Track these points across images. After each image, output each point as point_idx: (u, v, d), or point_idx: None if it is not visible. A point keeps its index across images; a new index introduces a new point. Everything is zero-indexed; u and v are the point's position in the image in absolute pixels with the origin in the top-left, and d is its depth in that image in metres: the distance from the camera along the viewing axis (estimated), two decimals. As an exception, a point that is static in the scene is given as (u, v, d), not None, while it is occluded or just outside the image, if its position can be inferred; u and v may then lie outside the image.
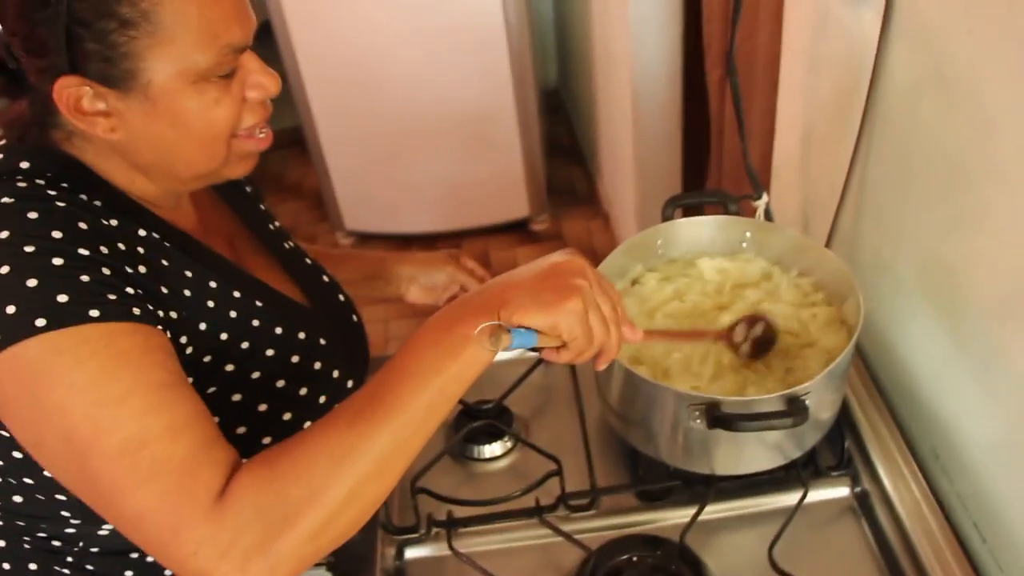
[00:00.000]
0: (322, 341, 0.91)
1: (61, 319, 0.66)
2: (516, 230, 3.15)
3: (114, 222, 0.75)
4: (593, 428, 1.13)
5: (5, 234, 0.68)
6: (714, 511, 1.01)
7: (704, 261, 1.13)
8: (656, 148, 2.48)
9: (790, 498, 1.01)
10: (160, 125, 0.74)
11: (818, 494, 1.02)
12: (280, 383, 0.85)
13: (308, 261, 1.04)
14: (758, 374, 1.00)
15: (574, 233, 3.14)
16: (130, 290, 0.70)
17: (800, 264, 1.11)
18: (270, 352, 0.85)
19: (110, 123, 0.74)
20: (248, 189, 1.04)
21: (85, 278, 0.68)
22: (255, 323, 0.84)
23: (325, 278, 1.04)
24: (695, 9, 2.19)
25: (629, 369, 0.94)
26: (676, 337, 1.02)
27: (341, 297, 1.05)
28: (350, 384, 0.93)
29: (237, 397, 0.82)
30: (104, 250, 0.71)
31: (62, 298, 0.66)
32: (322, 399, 0.89)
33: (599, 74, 2.83)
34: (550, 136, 3.42)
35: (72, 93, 0.71)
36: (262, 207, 1.05)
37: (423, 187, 3.06)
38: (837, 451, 1.05)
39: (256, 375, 0.83)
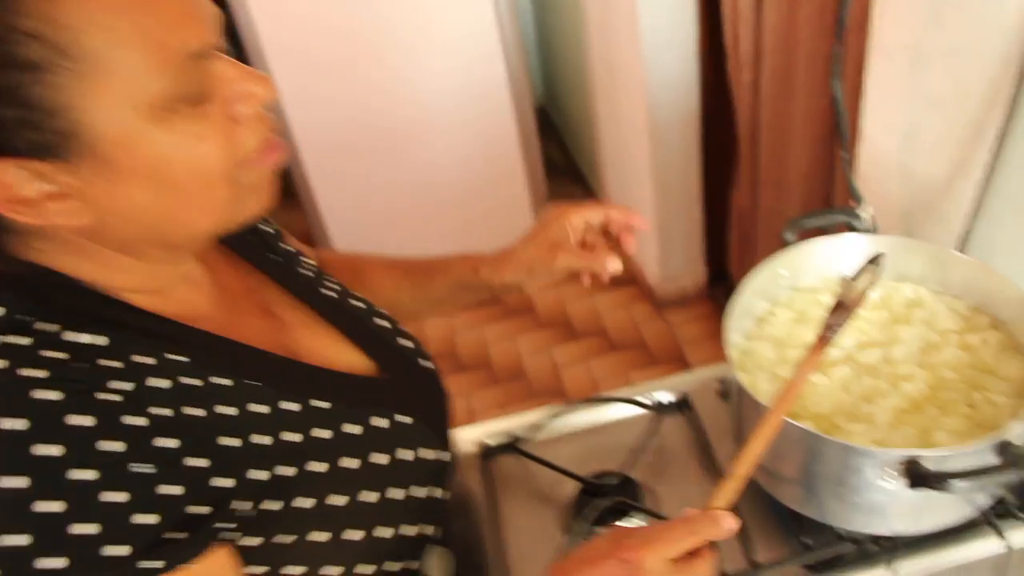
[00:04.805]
0: (408, 421, 0.75)
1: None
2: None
3: (126, 386, 0.56)
4: (735, 490, 0.99)
5: None
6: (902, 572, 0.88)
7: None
8: (674, 162, 2.37)
9: (980, 549, 0.89)
10: (133, 190, 0.55)
11: (1016, 540, 0.89)
12: (372, 497, 0.70)
13: (357, 303, 0.86)
14: (940, 410, 0.87)
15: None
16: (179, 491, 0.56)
17: (948, 284, 0.99)
18: (352, 462, 0.69)
19: (67, 207, 0.55)
20: (263, 227, 0.84)
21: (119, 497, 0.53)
22: (327, 435, 0.68)
23: (383, 323, 0.86)
24: (710, 12, 2.10)
25: (791, 423, 0.81)
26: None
27: (404, 342, 0.86)
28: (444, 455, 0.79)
29: (324, 536, 0.67)
30: (118, 447, 0.54)
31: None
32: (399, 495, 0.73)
33: (599, 88, 2.72)
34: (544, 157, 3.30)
35: None
36: (285, 247, 0.86)
37: (422, 226, 2.91)
38: (1019, 489, 0.92)
39: (341, 500, 0.68)
